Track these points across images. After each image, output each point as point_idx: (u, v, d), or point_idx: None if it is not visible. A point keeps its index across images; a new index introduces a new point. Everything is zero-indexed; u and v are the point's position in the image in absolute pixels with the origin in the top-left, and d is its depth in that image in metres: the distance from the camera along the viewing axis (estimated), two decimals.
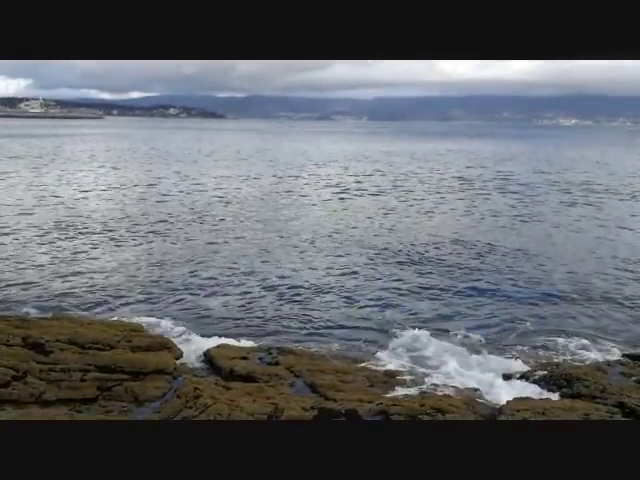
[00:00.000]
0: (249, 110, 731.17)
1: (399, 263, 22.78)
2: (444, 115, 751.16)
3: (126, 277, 20.19)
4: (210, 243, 25.72)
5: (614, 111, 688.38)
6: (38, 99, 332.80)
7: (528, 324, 16.34)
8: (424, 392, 11.37)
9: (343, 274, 21.21)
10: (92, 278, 19.92)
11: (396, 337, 15.20)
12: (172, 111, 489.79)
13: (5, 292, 18.04)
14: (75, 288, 18.77)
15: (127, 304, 17.48)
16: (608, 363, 12.84)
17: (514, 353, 14.37)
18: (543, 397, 11.21)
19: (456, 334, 15.50)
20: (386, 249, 24.93)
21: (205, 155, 78.68)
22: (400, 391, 11.62)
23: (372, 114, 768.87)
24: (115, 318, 15.54)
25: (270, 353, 13.20)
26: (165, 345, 12.76)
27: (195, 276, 20.55)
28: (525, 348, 14.70)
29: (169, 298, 18.07)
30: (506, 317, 16.91)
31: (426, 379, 12.50)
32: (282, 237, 27.16)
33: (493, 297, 18.82)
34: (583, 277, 21.11)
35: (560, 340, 15.18)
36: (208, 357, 12.99)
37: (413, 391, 11.58)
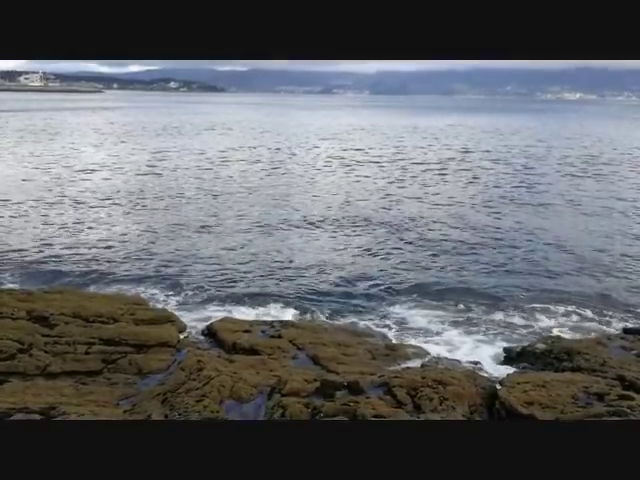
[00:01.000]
0: (250, 84, 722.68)
1: (400, 237, 22.78)
2: (447, 89, 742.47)
3: (128, 250, 20.24)
4: (212, 216, 25.72)
5: (619, 85, 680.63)
6: (38, 72, 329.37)
7: (529, 297, 16.41)
8: (425, 365, 11.47)
9: (345, 247, 21.24)
10: (94, 250, 19.98)
11: (397, 311, 15.29)
12: (172, 85, 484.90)
13: (7, 265, 18.12)
14: (77, 260, 18.84)
15: (130, 277, 17.56)
16: (609, 337, 12.91)
17: (515, 326, 14.46)
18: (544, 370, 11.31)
19: (457, 308, 15.58)
20: (388, 223, 24.91)
21: (204, 129, 78.15)
22: (401, 364, 11.73)
23: (374, 88, 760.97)
24: (118, 291, 15.63)
25: (273, 326, 13.29)
26: (168, 318, 12.84)
27: (197, 250, 20.60)
28: (526, 322, 14.78)
29: (172, 271, 18.14)
30: (508, 291, 16.97)
31: (427, 352, 12.62)
32: (283, 211, 27.14)
33: (494, 270, 18.88)
34: (585, 249, 21.13)
35: (561, 312, 15.27)
36: (211, 330, 13.08)
37: (414, 364, 11.69)
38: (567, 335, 13.61)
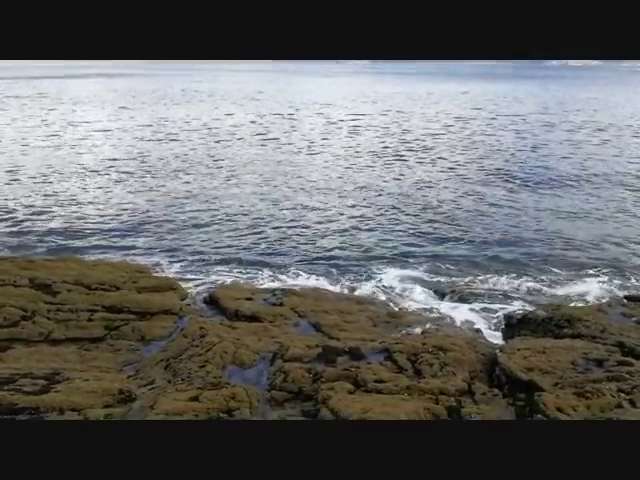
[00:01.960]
0: None
1: (404, 204, 22.71)
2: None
3: (130, 217, 20.23)
4: (216, 183, 25.63)
5: None
6: None
7: (532, 265, 16.43)
8: (426, 331, 11.53)
9: (348, 215, 21.20)
10: (96, 218, 19.98)
11: (399, 279, 15.33)
12: None
13: (9, 233, 18.14)
14: (79, 229, 18.85)
15: (132, 245, 17.59)
16: (609, 304, 12.93)
17: (516, 294, 14.51)
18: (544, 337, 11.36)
19: (459, 276, 15.62)
20: (388, 192, 24.82)
21: (208, 96, 77.33)
22: (402, 330, 11.79)
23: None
24: (120, 259, 15.66)
25: (275, 294, 13.32)
26: (171, 286, 12.88)
27: (200, 217, 20.60)
28: (527, 290, 14.83)
29: (173, 239, 18.16)
30: (509, 259, 16.99)
31: (428, 319, 12.68)
32: (286, 178, 27.01)
33: (495, 239, 18.86)
34: (585, 215, 21.08)
35: (563, 280, 15.30)
36: (213, 298, 13.12)
37: (415, 330, 11.76)
38: (569, 303, 13.66)
